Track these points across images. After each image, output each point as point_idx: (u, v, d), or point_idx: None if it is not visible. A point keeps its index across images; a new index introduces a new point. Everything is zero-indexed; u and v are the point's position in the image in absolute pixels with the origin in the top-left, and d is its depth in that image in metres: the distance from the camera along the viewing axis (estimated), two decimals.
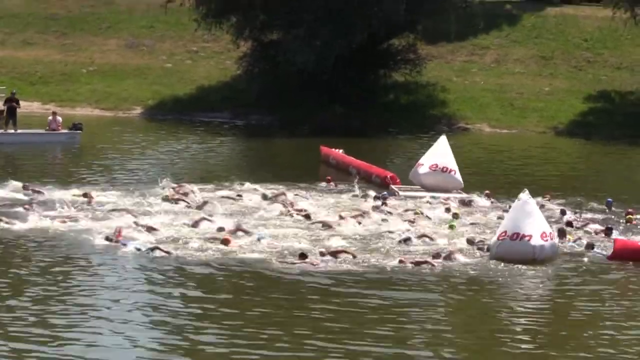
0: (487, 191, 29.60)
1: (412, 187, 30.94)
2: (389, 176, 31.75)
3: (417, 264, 21.23)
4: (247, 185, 29.54)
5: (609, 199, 28.82)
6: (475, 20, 54.64)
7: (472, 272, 21.14)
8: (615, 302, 19.46)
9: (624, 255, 22.73)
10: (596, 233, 25.14)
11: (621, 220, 26.71)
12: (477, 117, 49.79)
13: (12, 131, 39.36)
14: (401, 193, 29.97)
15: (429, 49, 54.22)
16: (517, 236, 22.18)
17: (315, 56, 46.63)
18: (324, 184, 30.98)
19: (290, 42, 47.74)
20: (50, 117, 40.42)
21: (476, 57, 55.79)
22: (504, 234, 22.29)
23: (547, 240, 22.33)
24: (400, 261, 21.35)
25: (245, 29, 50.40)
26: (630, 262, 22.40)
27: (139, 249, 21.54)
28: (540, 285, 20.76)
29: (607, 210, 28.16)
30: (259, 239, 22.70)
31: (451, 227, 25.08)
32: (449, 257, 21.82)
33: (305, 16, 47.35)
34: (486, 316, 18.42)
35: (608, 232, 24.82)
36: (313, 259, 21.13)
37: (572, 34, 57.26)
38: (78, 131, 39.62)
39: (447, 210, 27.12)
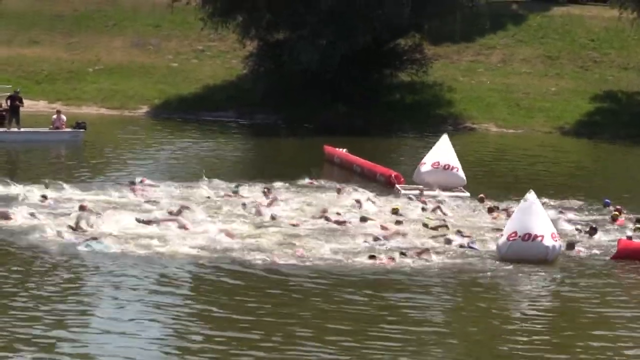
0: (481, 195, 28.96)
1: (416, 186, 30.84)
2: (393, 175, 31.67)
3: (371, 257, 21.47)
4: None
5: (607, 200, 28.68)
6: (481, 20, 54.51)
7: (474, 273, 21.03)
8: (619, 304, 19.34)
9: (627, 254, 22.63)
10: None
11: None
12: (483, 117, 49.67)
13: (15, 129, 39.35)
14: (403, 192, 29.89)
15: (435, 49, 54.13)
16: (528, 237, 22.10)
17: (319, 55, 46.53)
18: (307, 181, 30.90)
19: (295, 42, 47.65)
20: (55, 116, 40.43)
21: (482, 57, 55.67)
22: (514, 235, 22.17)
23: (556, 241, 22.33)
24: (371, 257, 21.46)
25: (251, 29, 50.27)
26: (631, 261, 22.36)
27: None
28: (546, 287, 20.62)
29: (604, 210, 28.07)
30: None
31: (394, 210, 25.86)
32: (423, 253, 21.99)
33: (308, 18, 47.24)
34: (488, 318, 18.28)
35: (592, 232, 24.68)
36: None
37: (579, 34, 57.11)
38: (81, 130, 39.61)
39: (424, 210, 27.05)
